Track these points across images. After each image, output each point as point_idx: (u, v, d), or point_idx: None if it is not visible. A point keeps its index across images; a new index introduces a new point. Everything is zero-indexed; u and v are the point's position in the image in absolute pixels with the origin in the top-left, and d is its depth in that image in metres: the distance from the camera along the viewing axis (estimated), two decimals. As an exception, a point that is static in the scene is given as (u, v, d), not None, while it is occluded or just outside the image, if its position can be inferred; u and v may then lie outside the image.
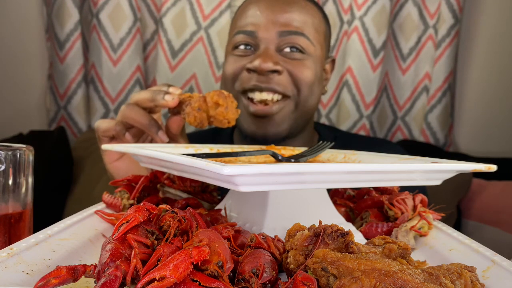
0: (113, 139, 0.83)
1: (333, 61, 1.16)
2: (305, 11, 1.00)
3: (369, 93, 1.85)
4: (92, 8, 1.77)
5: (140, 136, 0.86)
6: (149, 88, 0.82)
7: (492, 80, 1.94)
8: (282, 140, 1.02)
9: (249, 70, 0.98)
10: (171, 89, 0.79)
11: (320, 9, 1.07)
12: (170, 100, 0.77)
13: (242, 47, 1.01)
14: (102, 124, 0.83)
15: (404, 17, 1.83)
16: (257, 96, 0.97)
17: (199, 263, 0.34)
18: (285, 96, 0.98)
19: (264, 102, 0.97)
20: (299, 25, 0.98)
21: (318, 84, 1.03)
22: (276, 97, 0.97)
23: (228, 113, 0.76)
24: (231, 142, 1.17)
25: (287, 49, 0.98)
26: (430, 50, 1.82)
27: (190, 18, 1.80)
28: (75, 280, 0.35)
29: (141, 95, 0.80)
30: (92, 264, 0.36)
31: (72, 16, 1.74)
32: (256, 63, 0.95)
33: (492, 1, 1.89)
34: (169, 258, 0.33)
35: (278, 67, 0.95)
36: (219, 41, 1.82)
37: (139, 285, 0.32)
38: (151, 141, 0.87)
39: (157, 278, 0.32)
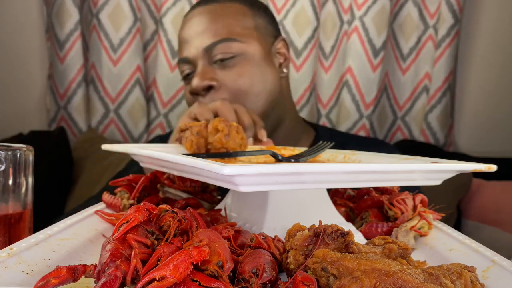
0: None
1: (283, 40, 1.14)
2: (225, 15, 1.03)
3: (369, 93, 1.85)
4: (92, 8, 1.77)
5: None
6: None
7: (492, 80, 1.93)
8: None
9: (192, 94, 1.02)
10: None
11: (246, 2, 1.08)
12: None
13: (187, 71, 1.06)
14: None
15: (404, 17, 1.83)
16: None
17: (199, 263, 0.34)
18: None
19: None
20: (222, 32, 1.01)
21: (260, 83, 1.03)
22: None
23: (228, 142, 0.69)
24: None
25: (219, 56, 1.01)
26: (430, 50, 1.82)
27: (190, 18, 1.80)
28: (75, 280, 0.35)
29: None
30: (92, 264, 0.36)
31: (72, 16, 1.74)
32: (192, 85, 1.00)
33: (492, 1, 1.89)
34: (169, 258, 0.33)
35: (212, 82, 0.99)
36: (219, 41, 1.82)
37: (139, 285, 0.32)
38: None
39: (157, 278, 0.32)
